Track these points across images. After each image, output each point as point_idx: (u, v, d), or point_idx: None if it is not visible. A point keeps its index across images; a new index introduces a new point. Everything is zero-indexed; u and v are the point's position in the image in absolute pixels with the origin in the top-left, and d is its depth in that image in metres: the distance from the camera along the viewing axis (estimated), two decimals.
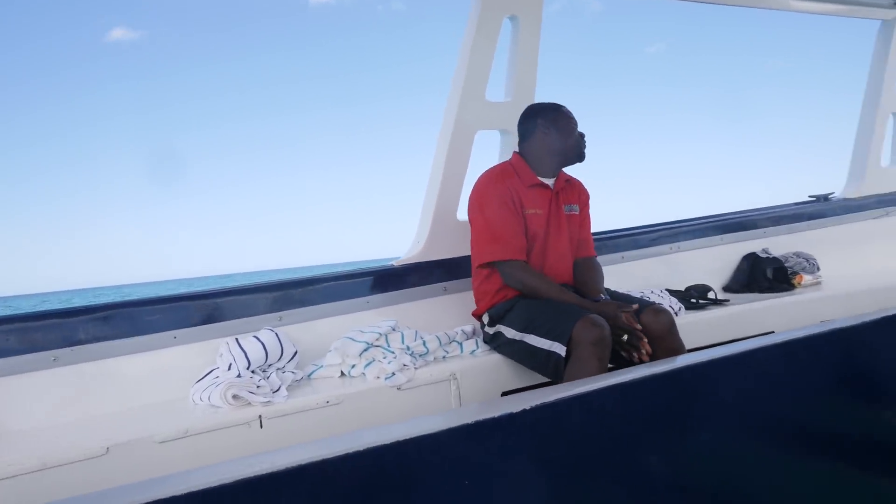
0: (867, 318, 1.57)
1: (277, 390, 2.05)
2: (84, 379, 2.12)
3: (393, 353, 2.25)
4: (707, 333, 2.64)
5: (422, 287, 2.72)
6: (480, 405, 1.73)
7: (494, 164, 2.58)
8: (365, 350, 2.25)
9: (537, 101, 2.74)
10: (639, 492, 1.27)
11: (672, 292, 3.02)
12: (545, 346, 2.11)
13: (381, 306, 2.63)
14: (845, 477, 1.54)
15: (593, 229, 2.65)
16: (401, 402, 2.13)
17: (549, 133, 2.43)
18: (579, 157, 2.48)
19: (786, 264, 3.42)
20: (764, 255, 3.45)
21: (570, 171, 2.58)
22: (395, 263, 2.76)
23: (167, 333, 2.25)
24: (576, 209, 2.55)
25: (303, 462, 0.93)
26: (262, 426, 1.92)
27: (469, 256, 2.53)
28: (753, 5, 3.60)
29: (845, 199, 3.97)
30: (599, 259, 2.61)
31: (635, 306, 2.17)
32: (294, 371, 2.23)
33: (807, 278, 3.39)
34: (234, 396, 1.96)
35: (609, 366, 2.06)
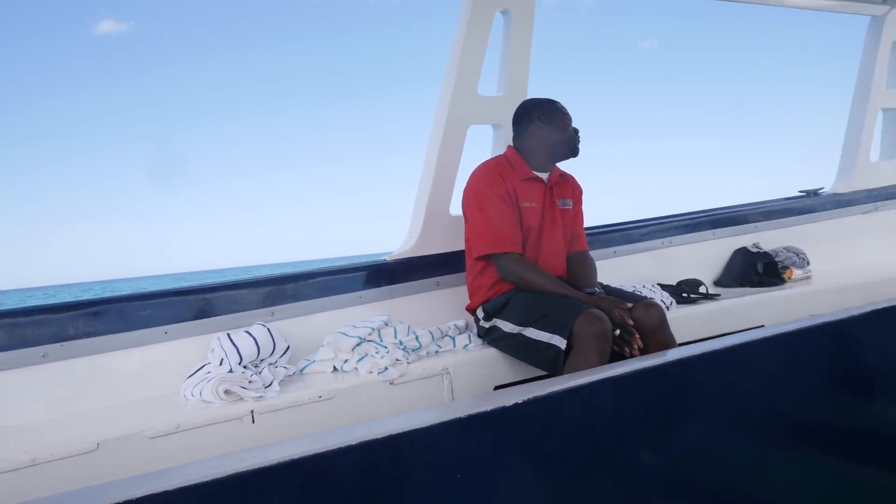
0: (856, 312, 1.59)
1: (269, 385, 2.05)
2: (74, 375, 2.10)
3: (385, 347, 2.25)
4: (698, 327, 2.65)
5: (414, 282, 2.72)
6: (473, 399, 1.73)
7: (487, 158, 2.58)
8: (357, 345, 2.25)
9: (530, 95, 2.74)
10: (631, 484, 1.28)
11: (663, 287, 3.03)
12: (544, 339, 2.12)
13: (374, 301, 2.63)
14: (835, 468, 1.55)
15: (586, 224, 2.66)
16: (393, 396, 2.13)
17: (543, 128, 2.44)
18: (573, 152, 2.50)
19: (776, 259, 3.44)
20: (755, 250, 3.47)
21: (564, 166, 2.59)
22: (388, 258, 2.76)
23: (158, 329, 2.24)
24: (570, 204, 2.56)
25: (295, 456, 0.93)
26: (254, 421, 1.91)
27: (462, 251, 2.53)
28: (746, 0, 3.60)
29: (835, 194, 3.99)
30: (592, 254, 2.62)
31: (631, 305, 2.18)
32: (286, 366, 2.22)
33: (797, 273, 3.41)
34: (226, 391, 1.96)
35: None
